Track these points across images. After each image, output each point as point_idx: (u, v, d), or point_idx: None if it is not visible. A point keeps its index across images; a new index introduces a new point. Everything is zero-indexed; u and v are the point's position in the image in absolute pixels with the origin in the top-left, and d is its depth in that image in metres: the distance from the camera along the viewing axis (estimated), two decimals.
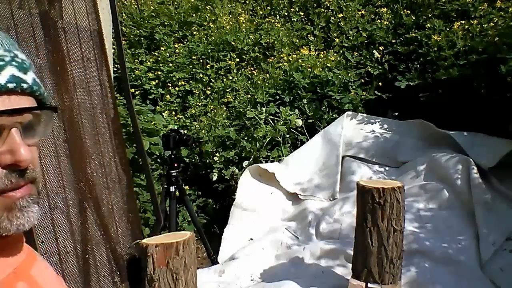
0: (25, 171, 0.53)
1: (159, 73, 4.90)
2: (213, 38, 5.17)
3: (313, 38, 4.98)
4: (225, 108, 4.48)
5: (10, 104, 0.51)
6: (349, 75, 4.12)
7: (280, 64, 4.64)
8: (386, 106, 4.06)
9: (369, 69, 4.23)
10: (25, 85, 0.53)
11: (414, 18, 4.36)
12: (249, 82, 4.64)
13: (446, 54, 3.61)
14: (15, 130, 0.51)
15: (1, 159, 0.51)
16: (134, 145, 3.17)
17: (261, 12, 5.58)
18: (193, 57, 5.00)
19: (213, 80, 4.80)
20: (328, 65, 4.25)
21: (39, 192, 0.58)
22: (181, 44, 5.36)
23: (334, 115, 3.96)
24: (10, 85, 0.51)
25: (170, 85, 4.85)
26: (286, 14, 5.49)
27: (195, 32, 5.42)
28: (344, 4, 4.99)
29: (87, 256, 1.86)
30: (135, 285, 2.19)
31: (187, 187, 3.79)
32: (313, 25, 5.16)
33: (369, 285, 2.08)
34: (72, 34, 1.97)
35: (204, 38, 5.25)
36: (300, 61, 4.37)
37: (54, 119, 0.59)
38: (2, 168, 0.51)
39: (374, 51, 4.33)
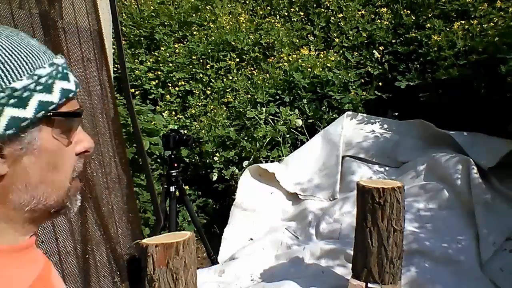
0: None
1: (159, 73, 4.90)
2: (213, 38, 5.16)
3: (313, 38, 4.98)
4: (225, 108, 4.47)
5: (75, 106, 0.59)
6: (349, 75, 4.12)
7: (280, 64, 4.64)
8: (386, 106, 4.05)
9: (369, 69, 4.23)
10: (71, 94, 0.59)
11: (414, 18, 4.36)
12: (249, 82, 4.64)
13: (446, 54, 3.61)
14: (80, 126, 0.61)
15: (76, 148, 0.60)
16: (134, 145, 3.17)
17: (261, 12, 5.58)
18: (193, 57, 5.00)
19: (213, 80, 4.80)
20: (328, 65, 4.25)
21: None
22: (181, 44, 5.36)
23: (334, 115, 3.96)
24: (77, 90, 0.60)
25: (170, 85, 4.85)
26: (286, 14, 5.49)
27: (195, 32, 5.42)
28: (344, 4, 4.99)
29: (87, 256, 1.86)
30: (135, 285, 2.19)
31: (187, 187, 3.79)
32: (313, 25, 5.16)
33: (369, 285, 2.08)
34: (72, 34, 1.97)
35: (204, 38, 5.25)
36: (300, 61, 4.37)
37: None
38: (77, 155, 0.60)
39: (374, 51, 4.33)
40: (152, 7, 6.04)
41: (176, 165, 2.86)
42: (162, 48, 5.25)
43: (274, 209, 3.42)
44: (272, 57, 4.87)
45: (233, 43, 4.98)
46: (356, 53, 4.48)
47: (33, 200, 0.55)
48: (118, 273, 2.08)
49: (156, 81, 4.85)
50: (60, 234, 1.70)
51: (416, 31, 4.18)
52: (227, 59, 4.97)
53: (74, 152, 0.60)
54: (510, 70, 3.02)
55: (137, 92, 4.67)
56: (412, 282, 2.33)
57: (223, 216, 3.52)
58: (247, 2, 5.91)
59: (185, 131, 4.01)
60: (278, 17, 5.45)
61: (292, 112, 3.98)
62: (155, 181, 3.49)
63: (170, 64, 4.99)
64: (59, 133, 0.56)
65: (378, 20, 4.63)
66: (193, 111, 4.51)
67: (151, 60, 5.13)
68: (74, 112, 0.59)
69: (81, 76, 2.02)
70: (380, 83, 4.13)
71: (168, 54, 5.11)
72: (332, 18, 4.95)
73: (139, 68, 4.93)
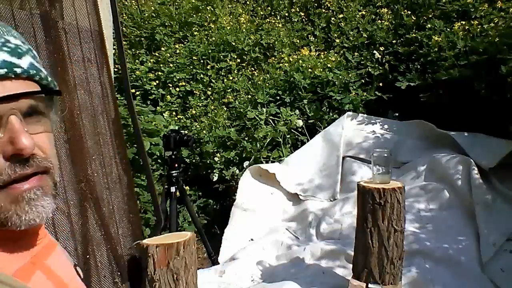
0: (29, 159, 0.50)
1: (159, 73, 4.90)
2: (213, 38, 5.17)
3: (313, 38, 4.98)
4: (225, 109, 4.48)
5: (3, 91, 0.48)
6: (350, 75, 4.12)
7: (281, 64, 4.64)
8: (386, 106, 4.05)
9: (370, 70, 4.23)
10: (18, 70, 0.50)
11: (414, 18, 4.36)
12: (250, 82, 4.64)
13: (446, 54, 3.61)
14: (13, 118, 0.49)
15: (4, 149, 0.48)
16: (135, 145, 3.17)
17: (261, 13, 5.59)
18: (194, 58, 5.00)
19: (213, 81, 4.80)
20: (329, 65, 4.25)
21: (55, 184, 0.55)
22: (182, 45, 5.36)
23: (334, 116, 3.96)
24: (1, 71, 0.49)
25: (170, 85, 4.85)
26: (286, 14, 5.49)
27: (195, 33, 5.42)
28: (345, 4, 4.99)
29: (88, 256, 1.86)
30: (135, 285, 2.19)
31: (187, 187, 3.79)
32: (314, 26, 5.16)
33: (369, 285, 2.08)
34: (73, 34, 1.98)
35: (204, 39, 5.25)
36: (300, 61, 4.37)
37: (58, 103, 0.60)
38: (5, 159, 0.48)
39: (375, 51, 4.33)
40: (152, 7, 6.05)
41: (176, 165, 2.86)
42: (162, 49, 5.25)
43: (275, 210, 3.42)
44: (273, 58, 4.87)
45: (234, 44, 4.98)
46: (357, 54, 4.48)
47: None
48: (119, 273, 2.09)
49: (157, 81, 4.85)
50: (60, 235, 1.70)
51: (416, 31, 4.18)
52: (228, 60, 4.97)
53: None
54: (510, 70, 3.02)
55: (137, 93, 4.68)
56: (413, 283, 2.33)
57: (223, 217, 3.52)
58: (248, 2, 5.91)
59: (186, 132, 4.02)
60: (278, 18, 5.45)
61: (293, 113, 3.98)
62: (155, 182, 3.50)
63: (171, 65, 5.00)
64: None
65: (379, 21, 4.63)
66: (194, 112, 4.52)
67: (151, 60, 5.13)
68: None
69: (82, 76, 2.02)
70: (381, 84, 4.13)
71: (168, 54, 5.12)
72: (332, 18, 4.95)
73: (140, 68, 4.94)
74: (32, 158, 0.50)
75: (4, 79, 0.49)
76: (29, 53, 0.54)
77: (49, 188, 0.53)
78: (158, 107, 4.61)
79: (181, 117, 4.53)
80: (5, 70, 0.49)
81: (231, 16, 5.65)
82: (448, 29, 3.87)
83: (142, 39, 5.60)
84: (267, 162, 3.79)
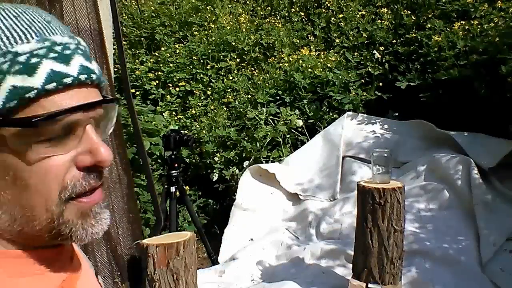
0: (102, 172, 0.48)
1: (159, 73, 4.90)
2: (213, 38, 5.17)
3: (313, 38, 4.98)
4: (225, 109, 4.48)
5: (83, 98, 0.45)
6: (350, 75, 4.12)
7: (281, 64, 4.64)
8: (386, 106, 4.06)
9: (370, 70, 4.23)
10: (94, 76, 0.46)
11: (414, 18, 4.36)
12: (250, 82, 4.64)
13: (446, 54, 3.61)
14: (90, 128, 0.46)
15: (80, 160, 0.46)
16: (135, 145, 3.17)
17: (261, 13, 5.58)
18: (194, 58, 5.00)
19: (213, 81, 4.80)
20: (329, 65, 4.24)
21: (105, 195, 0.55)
22: (182, 45, 5.36)
23: (334, 116, 3.96)
24: (82, 77, 0.45)
25: (170, 85, 4.85)
26: (286, 14, 5.49)
27: (195, 33, 5.42)
28: (345, 4, 4.99)
29: (88, 256, 1.86)
30: (135, 285, 2.19)
31: (187, 187, 3.78)
32: (314, 26, 5.16)
33: (369, 285, 2.08)
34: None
35: (204, 39, 5.25)
36: (300, 61, 4.37)
37: (116, 112, 0.54)
38: (79, 170, 0.46)
39: (375, 51, 4.33)
40: (152, 7, 6.05)
41: (176, 165, 2.85)
42: (162, 49, 5.25)
43: (275, 210, 3.42)
44: (273, 58, 4.87)
45: (234, 44, 4.98)
46: (357, 54, 4.48)
47: (13, 222, 0.45)
48: (119, 273, 2.09)
49: (157, 81, 4.85)
50: None
51: (416, 31, 4.18)
52: (228, 60, 4.97)
53: (71, 165, 0.45)
54: (510, 70, 3.02)
55: (137, 93, 4.68)
56: (413, 283, 2.33)
57: (223, 217, 3.52)
58: (248, 2, 5.91)
59: (186, 132, 4.02)
60: (278, 18, 5.45)
61: (293, 113, 3.98)
62: (155, 182, 3.49)
63: (171, 65, 5.00)
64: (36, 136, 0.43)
65: (379, 21, 4.63)
66: (194, 112, 4.52)
67: (151, 60, 5.13)
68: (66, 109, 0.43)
69: None
70: (381, 84, 4.13)
71: (168, 54, 5.12)
72: (332, 18, 4.95)
73: (140, 68, 4.94)
74: (102, 170, 0.49)
75: (82, 85, 0.45)
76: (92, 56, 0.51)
77: (106, 201, 0.54)
78: (158, 107, 4.61)
79: (181, 117, 4.53)
80: (85, 76, 0.45)
81: (231, 16, 5.65)
82: (448, 29, 3.87)
83: (142, 39, 5.60)
84: (267, 162, 3.79)
